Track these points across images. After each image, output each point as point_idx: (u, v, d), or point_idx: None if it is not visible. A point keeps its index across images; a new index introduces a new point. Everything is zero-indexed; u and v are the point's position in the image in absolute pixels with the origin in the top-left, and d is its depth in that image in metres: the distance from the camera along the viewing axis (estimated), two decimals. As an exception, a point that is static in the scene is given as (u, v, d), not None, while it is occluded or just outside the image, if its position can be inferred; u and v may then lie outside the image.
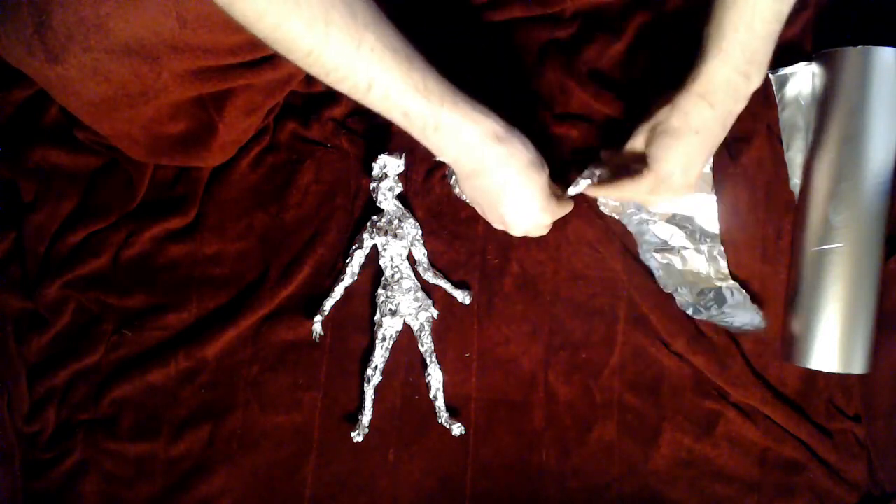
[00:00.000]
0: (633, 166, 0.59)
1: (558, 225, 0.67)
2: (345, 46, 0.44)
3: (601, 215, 0.68)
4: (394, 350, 0.67)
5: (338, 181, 0.69)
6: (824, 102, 0.65)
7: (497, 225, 0.60)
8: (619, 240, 0.68)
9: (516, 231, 0.59)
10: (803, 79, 0.67)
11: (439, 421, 0.66)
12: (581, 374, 0.67)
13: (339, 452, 0.67)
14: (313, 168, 0.70)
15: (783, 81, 0.68)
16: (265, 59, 0.63)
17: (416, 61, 0.48)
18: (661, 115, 0.57)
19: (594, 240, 0.68)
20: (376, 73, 0.46)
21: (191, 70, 0.59)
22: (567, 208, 0.62)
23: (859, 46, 0.63)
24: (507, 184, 0.55)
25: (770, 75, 0.68)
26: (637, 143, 0.60)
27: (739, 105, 0.55)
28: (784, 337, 0.67)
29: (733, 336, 0.67)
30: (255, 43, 0.57)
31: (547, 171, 0.57)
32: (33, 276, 0.69)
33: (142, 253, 0.69)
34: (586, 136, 0.69)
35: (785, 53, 0.69)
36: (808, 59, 0.67)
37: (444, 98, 0.49)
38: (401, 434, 0.67)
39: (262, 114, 0.68)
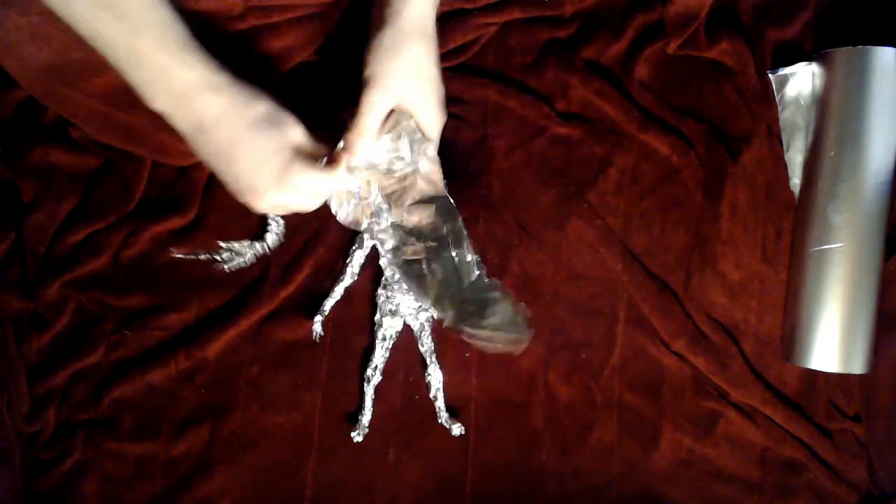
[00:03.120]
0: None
1: (558, 225, 0.68)
2: None
3: (601, 215, 0.68)
4: (394, 350, 0.67)
5: (338, 181, 0.69)
6: (824, 102, 0.65)
7: (239, 198, 0.55)
8: (619, 240, 0.68)
9: (257, 205, 0.54)
10: (803, 79, 0.67)
11: (439, 421, 0.66)
12: (581, 374, 0.67)
13: (339, 452, 0.67)
14: (313, 168, 0.69)
15: (783, 81, 0.68)
16: None
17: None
18: (374, 37, 0.56)
19: (594, 240, 0.68)
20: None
21: None
22: (330, 181, 0.56)
23: (859, 46, 0.63)
24: (233, 144, 0.50)
25: (770, 75, 0.68)
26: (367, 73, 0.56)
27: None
28: (784, 337, 0.67)
29: (733, 336, 0.67)
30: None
31: (298, 134, 0.53)
32: (33, 276, 0.68)
33: (142, 253, 0.69)
34: (588, 135, 0.69)
35: (785, 53, 0.69)
36: (808, 59, 0.67)
37: (145, 34, 0.46)
38: (401, 434, 0.67)
39: None
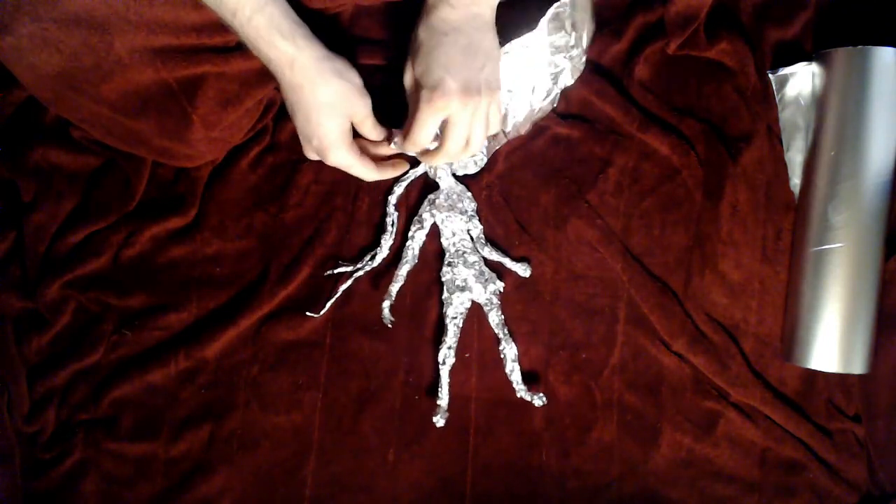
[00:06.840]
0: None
1: (558, 225, 0.68)
2: None
3: (601, 215, 0.68)
4: (394, 351, 0.67)
5: (338, 181, 0.69)
6: (824, 102, 0.65)
7: (309, 150, 0.61)
8: (619, 240, 0.68)
9: (326, 158, 0.60)
10: (803, 79, 0.67)
11: (518, 395, 0.65)
12: (581, 374, 0.67)
13: (339, 452, 0.67)
14: (313, 168, 0.69)
15: (783, 81, 0.68)
16: (236, 47, 0.61)
17: None
18: (413, 39, 0.57)
19: (594, 240, 0.68)
20: None
21: (148, 47, 0.58)
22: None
23: (859, 46, 0.63)
24: (303, 90, 0.56)
25: (770, 75, 0.68)
26: (408, 82, 0.59)
27: (481, 8, 0.56)
28: (784, 337, 0.67)
29: (733, 336, 0.67)
30: (219, 23, 0.56)
31: (365, 105, 0.59)
32: (33, 276, 0.69)
33: (142, 253, 0.69)
34: (588, 135, 0.69)
35: (785, 53, 0.69)
36: (808, 59, 0.67)
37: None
38: (401, 434, 0.67)
39: (243, 108, 0.65)
